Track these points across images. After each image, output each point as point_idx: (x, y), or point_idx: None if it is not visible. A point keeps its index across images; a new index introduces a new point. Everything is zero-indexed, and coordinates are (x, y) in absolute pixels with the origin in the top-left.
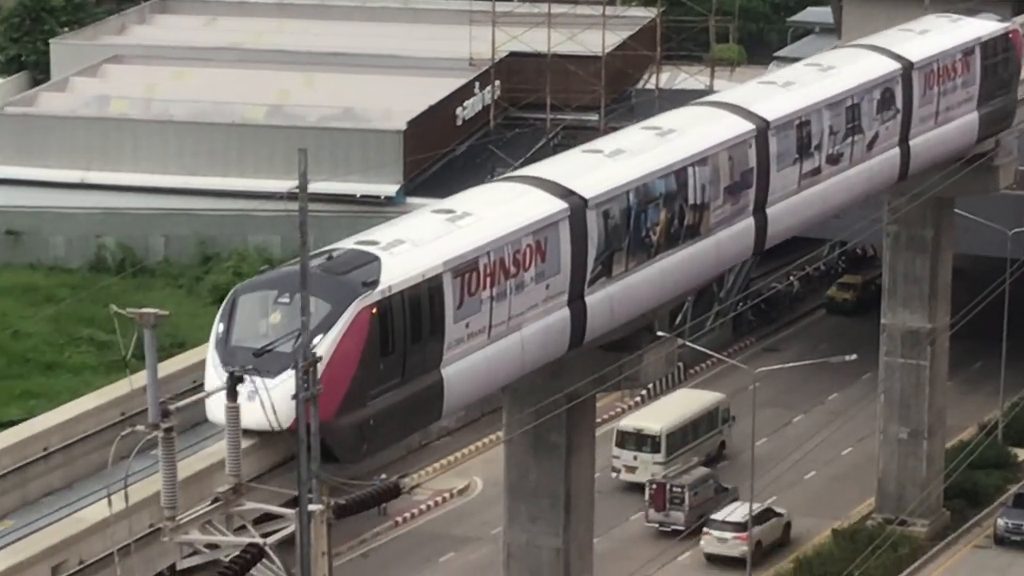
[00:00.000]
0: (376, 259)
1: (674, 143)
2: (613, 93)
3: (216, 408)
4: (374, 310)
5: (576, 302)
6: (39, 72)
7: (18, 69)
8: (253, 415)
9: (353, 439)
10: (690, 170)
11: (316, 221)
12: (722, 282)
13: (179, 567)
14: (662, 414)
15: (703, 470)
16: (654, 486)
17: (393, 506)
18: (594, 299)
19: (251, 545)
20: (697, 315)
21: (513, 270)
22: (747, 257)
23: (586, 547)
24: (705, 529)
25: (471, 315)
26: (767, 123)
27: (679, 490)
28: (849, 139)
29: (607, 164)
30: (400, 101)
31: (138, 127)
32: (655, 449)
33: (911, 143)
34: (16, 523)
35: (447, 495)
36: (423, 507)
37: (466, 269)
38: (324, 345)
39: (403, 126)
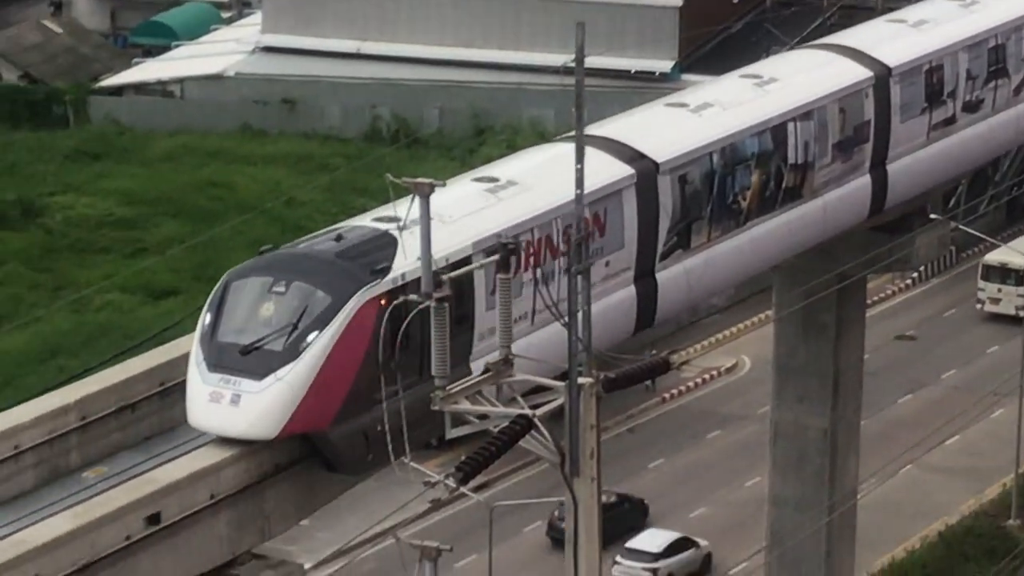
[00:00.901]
0: (393, 241)
1: (773, 95)
2: None
3: (198, 412)
4: (383, 301)
5: (644, 279)
6: None
7: None
8: (235, 422)
9: (354, 449)
10: (790, 126)
11: (590, 96)
12: (997, 165)
13: (448, 437)
14: None
15: None
16: None
17: (661, 382)
18: (667, 275)
19: (520, 417)
20: (971, 199)
21: (564, 248)
22: (863, 218)
23: (853, 428)
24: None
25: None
26: (888, 69)
27: None
28: (992, 84)
29: (688, 120)
30: None
31: None
32: (1019, 282)
33: None
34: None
35: (715, 373)
36: (691, 384)
37: (501, 249)
38: (319, 344)
39: (679, 2)
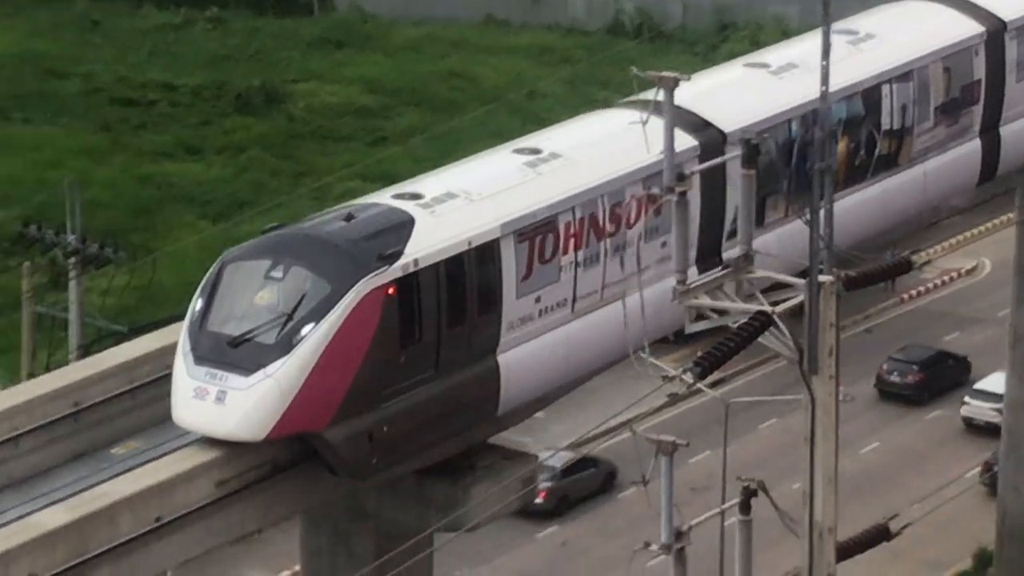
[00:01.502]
0: (409, 221)
1: (867, 54)
2: None
3: (182, 408)
4: (390, 290)
5: (709, 260)
6: None
7: None
8: (220, 421)
9: (356, 452)
10: (884, 88)
11: None
12: None
13: (687, 332)
14: None
15: None
16: None
17: (900, 283)
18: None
19: (759, 313)
20: None
21: (611, 228)
22: (971, 186)
23: None
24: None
25: (543, 287)
26: (1003, 23)
27: None
28: None
29: (766, 84)
30: None
31: None
32: None
33: None
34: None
35: (955, 274)
36: (930, 285)
37: (536, 231)
38: (314, 337)
39: None
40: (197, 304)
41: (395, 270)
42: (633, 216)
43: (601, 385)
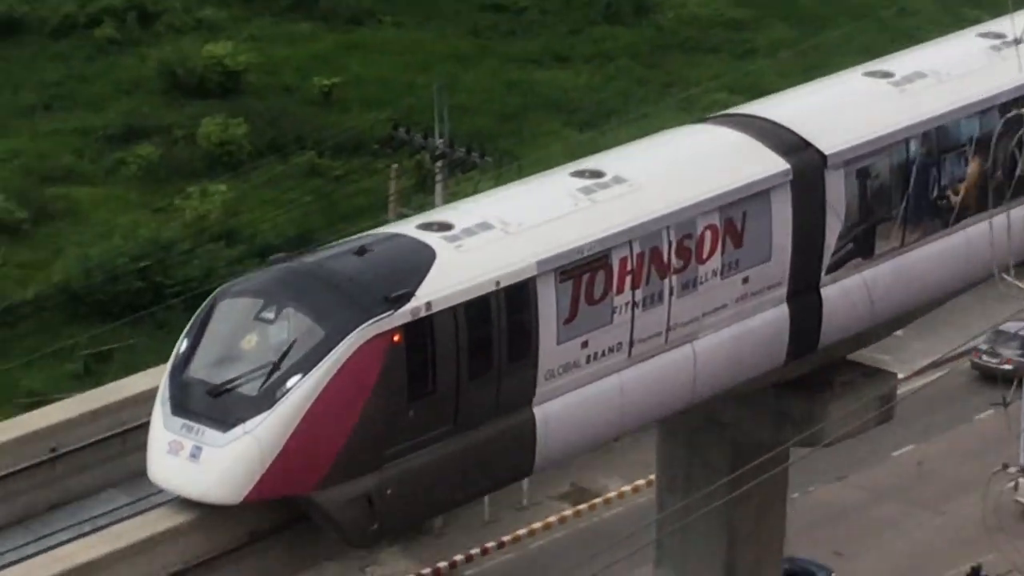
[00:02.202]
0: (429, 257)
1: (1009, 61)
2: None
3: (156, 463)
4: (395, 337)
5: (803, 296)
6: None
7: None
8: (195, 481)
9: (353, 517)
10: None
11: None
12: None
13: None
14: None
15: None
16: None
17: None
18: (838, 289)
19: None
20: None
21: (677, 263)
22: None
23: None
24: None
25: (591, 329)
26: None
27: None
28: None
29: (886, 98)
30: None
31: None
32: None
33: None
34: None
35: None
36: None
37: (582, 268)
38: (300, 390)
39: None
40: (182, 345)
41: (403, 314)
42: (707, 247)
43: (964, 305)
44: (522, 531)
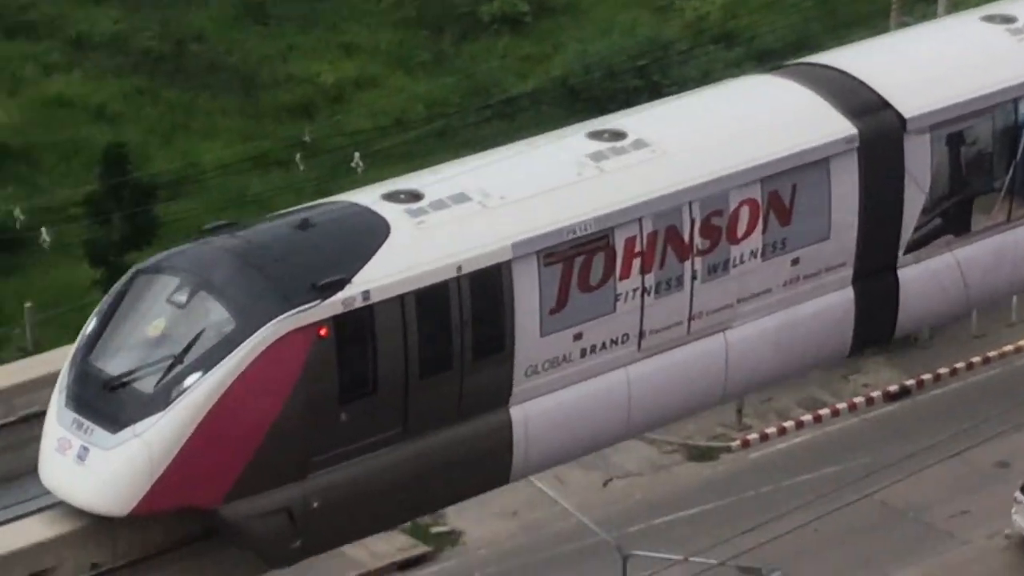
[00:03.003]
0: (383, 234)
1: None
2: None
3: (44, 461)
4: (322, 331)
5: (874, 279)
6: None
7: None
8: (79, 486)
9: (267, 533)
10: None
11: None
12: None
13: None
14: None
15: None
16: None
17: None
18: (921, 270)
19: None
20: None
21: (702, 244)
22: None
23: None
24: None
25: (587, 320)
26: None
27: None
28: None
29: (999, 49)
30: None
31: None
32: None
33: None
34: None
35: None
36: None
37: (575, 250)
38: (199, 390)
39: None
40: (89, 325)
41: (331, 305)
42: (744, 227)
43: None
44: (1008, 347)
